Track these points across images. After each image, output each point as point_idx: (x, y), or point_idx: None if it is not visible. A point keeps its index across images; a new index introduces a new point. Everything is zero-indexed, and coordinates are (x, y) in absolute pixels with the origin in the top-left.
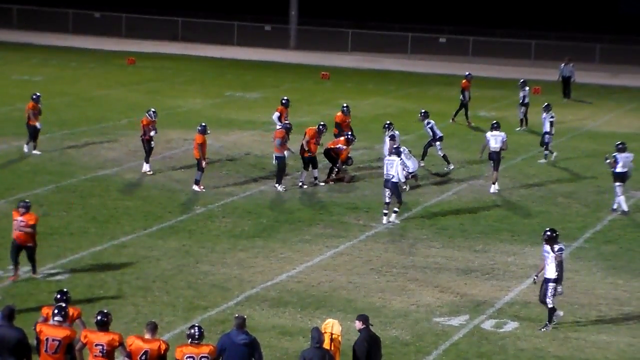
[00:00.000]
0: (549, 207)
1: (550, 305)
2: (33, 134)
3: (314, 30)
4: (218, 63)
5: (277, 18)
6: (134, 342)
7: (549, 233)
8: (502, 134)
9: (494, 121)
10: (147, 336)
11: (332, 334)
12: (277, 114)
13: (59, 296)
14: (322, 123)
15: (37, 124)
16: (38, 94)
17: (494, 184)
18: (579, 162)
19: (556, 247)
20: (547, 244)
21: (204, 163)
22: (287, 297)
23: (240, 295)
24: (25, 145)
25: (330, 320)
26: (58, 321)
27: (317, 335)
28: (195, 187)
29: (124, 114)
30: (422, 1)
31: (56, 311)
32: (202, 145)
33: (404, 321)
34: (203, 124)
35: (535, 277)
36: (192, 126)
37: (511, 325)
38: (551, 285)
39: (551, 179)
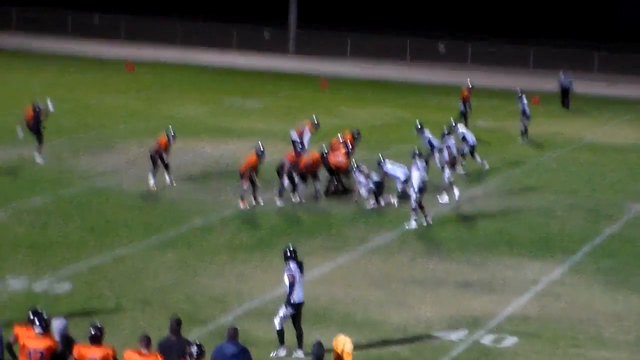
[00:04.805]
0: (547, 220)
1: (277, 328)
2: (38, 138)
3: (313, 37)
4: (217, 69)
5: (276, 24)
6: (131, 357)
7: (285, 252)
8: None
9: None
10: (143, 351)
11: (343, 351)
12: (309, 134)
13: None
14: (325, 151)
15: (19, 130)
16: (41, 106)
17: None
18: (578, 174)
19: (287, 265)
20: (284, 262)
21: (245, 184)
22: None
23: (239, 308)
24: (37, 155)
25: (341, 337)
26: (39, 332)
27: (317, 350)
28: (240, 204)
29: (122, 121)
30: (421, 9)
31: (36, 322)
32: (253, 167)
33: (403, 336)
34: (262, 149)
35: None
36: (190, 134)
37: (510, 340)
38: (283, 307)
39: (550, 192)
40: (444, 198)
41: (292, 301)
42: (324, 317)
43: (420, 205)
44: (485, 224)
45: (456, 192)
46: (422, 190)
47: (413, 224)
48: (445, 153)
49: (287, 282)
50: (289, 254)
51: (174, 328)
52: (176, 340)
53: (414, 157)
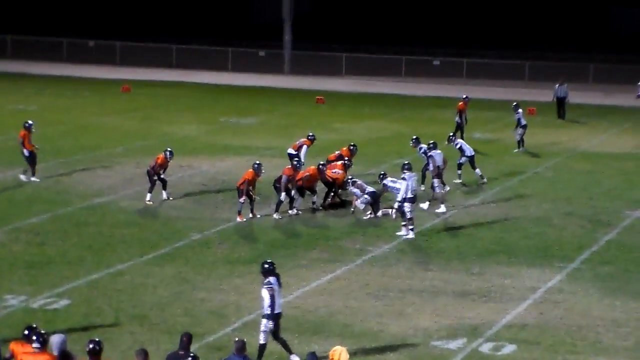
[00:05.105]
0: (545, 228)
1: (261, 342)
2: (29, 161)
3: (308, 55)
4: (213, 89)
5: (271, 43)
6: None
7: (265, 266)
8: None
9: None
10: None
11: None
12: (305, 147)
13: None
14: (321, 162)
15: (25, 151)
16: (30, 122)
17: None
18: (575, 182)
19: (266, 279)
20: (263, 276)
21: (242, 199)
22: (284, 323)
23: (237, 321)
24: (21, 175)
25: (338, 348)
26: (37, 348)
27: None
28: (238, 218)
29: (119, 142)
30: (416, 24)
31: (34, 337)
32: (249, 182)
33: (402, 346)
34: (258, 163)
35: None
36: (187, 153)
37: (509, 348)
38: (264, 320)
39: (547, 200)
40: (440, 208)
41: (272, 313)
42: (323, 328)
43: (402, 214)
44: (483, 233)
45: (426, 205)
46: (408, 200)
47: (411, 235)
48: (430, 165)
49: (266, 295)
50: (267, 268)
51: (183, 343)
52: (184, 355)
53: (403, 169)
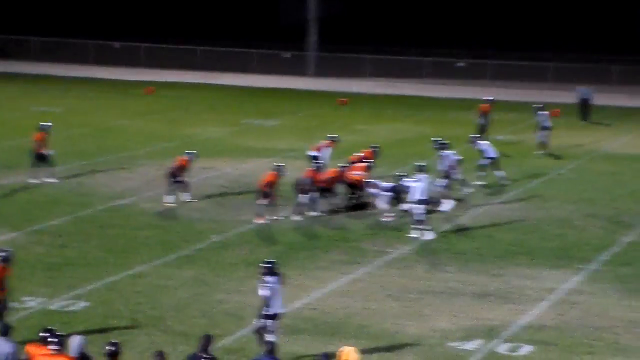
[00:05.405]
0: (565, 229)
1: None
2: (39, 163)
3: (333, 57)
4: (236, 91)
5: (295, 45)
6: None
7: (265, 266)
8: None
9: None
10: None
11: None
12: (329, 149)
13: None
14: (343, 164)
15: (51, 151)
16: (49, 123)
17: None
18: (597, 184)
19: (265, 279)
20: (262, 275)
21: (263, 200)
22: (301, 324)
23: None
24: (50, 177)
25: (346, 348)
26: (54, 350)
27: None
28: (257, 220)
29: (142, 144)
30: (440, 26)
31: (51, 339)
32: (271, 183)
33: (419, 346)
34: (281, 164)
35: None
36: (210, 154)
37: (526, 349)
38: (268, 321)
39: (568, 202)
40: (443, 205)
41: (272, 312)
42: (339, 330)
43: (416, 215)
44: (504, 234)
45: (447, 204)
46: (421, 202)
47: (430, 235)
48: (447, 164)
49: (265, 295)
50: (267, 268)
51: (203, 345)
52: (203, 357)
53: (417, 171)
